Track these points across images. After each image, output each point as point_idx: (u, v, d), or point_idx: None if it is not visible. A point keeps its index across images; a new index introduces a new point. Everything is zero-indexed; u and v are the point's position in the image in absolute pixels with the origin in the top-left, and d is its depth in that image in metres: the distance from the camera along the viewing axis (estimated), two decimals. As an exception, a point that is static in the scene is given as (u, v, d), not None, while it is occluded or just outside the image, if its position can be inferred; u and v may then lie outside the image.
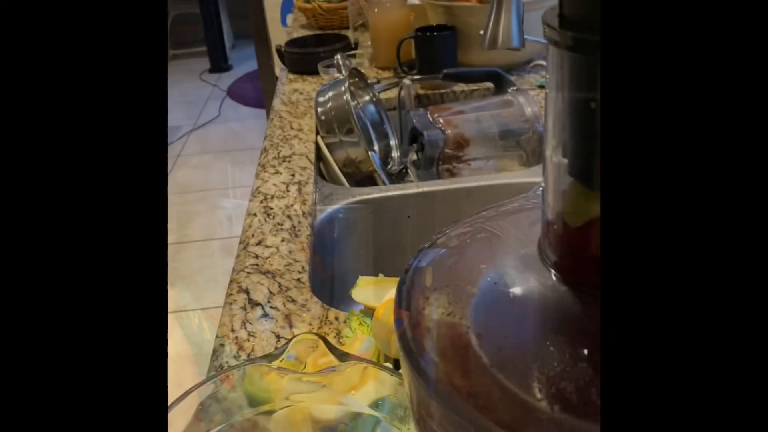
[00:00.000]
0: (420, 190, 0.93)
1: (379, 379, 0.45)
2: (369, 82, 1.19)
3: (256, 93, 3.56)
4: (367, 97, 1.19)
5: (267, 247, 0.82)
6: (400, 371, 0.28)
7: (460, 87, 1.30)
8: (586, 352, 0.23)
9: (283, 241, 0.83)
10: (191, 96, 4.00)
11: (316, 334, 0.48)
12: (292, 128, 1.18)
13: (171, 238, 2.54)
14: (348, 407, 0.46)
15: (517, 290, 0.26)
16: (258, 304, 0.71)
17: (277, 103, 1.32)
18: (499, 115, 1.02)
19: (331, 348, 0.47)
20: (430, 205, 0.94)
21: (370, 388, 0.45)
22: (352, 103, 1.01)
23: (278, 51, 1.53)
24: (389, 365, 0.61)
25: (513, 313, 0.25)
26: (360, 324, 0.66)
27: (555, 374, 0.22)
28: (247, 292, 0.73)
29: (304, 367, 0.46)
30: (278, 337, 0.66)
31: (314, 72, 1.43)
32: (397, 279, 0.29)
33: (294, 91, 1.38)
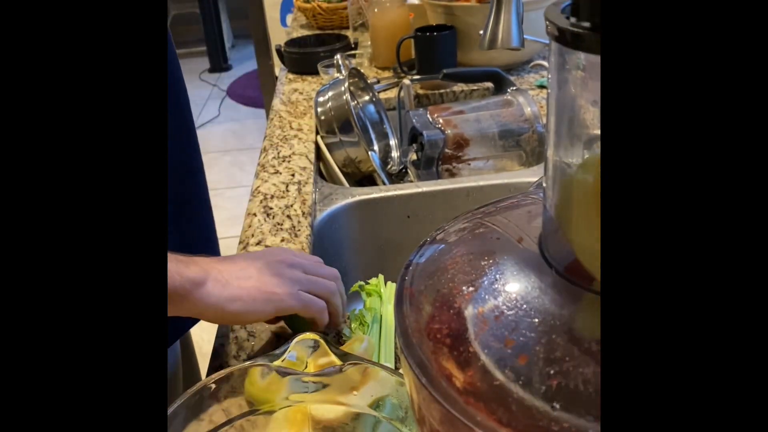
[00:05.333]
0: (420, 190, 0.93)
1: (379, 378, 0.45)
2: (369, 82, 1.19)
3: (256, 93, 3.56)
4: (366, 97, 1.19)
5: (267, 247, 0.82)
6: (401, 371, 0.27)
7: (459, 87, 1.30)
8: (586, 350, 0.23)
9: (282, 241, 0.83)
10: (191, 96, 3.99)
11: (318, 333, 0.48)
12: (291, 128, 1.17)
13: (170, 238, 2.53)
14: (348, 407, 0.45)
15: (518, 288, 0.26)
16: (258, 304, 0.71)
17: (276, 103, 1.32)
18: (498, 114, 1.02)
19: (332, 348, 0.47)
20: (430, 205, 0.94)
21: (370, 388, 0.45)
22: (352, 103, 1.01)
23: (278, 51, 1.53)
24: (389, 365, 0.61)
25: (514, 311, 0.24)
26: (360, 324, 0.66)
27: (555, 373, 0.22)
28: (246, 291, 0.73)
29: (305, 367, 0.46)
30: (278, 337, 0.66)
31: (314, 72, 1.43)
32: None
33: (294, 90, 1.38)
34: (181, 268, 0.51)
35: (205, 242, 0.75)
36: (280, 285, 0.56)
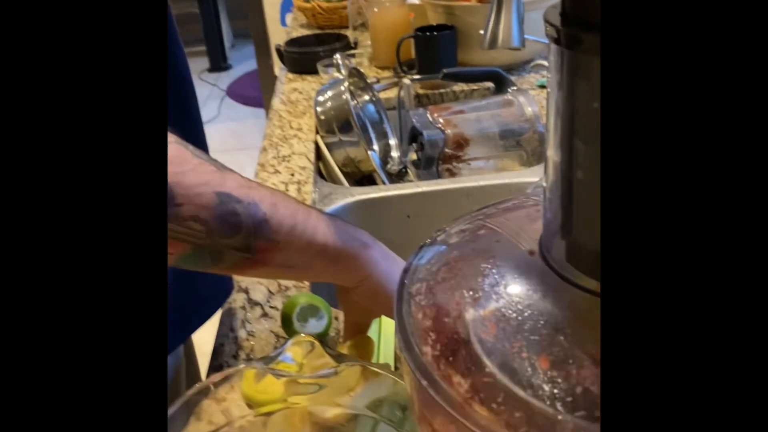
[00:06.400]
0: (420, 189, 0.93)
1: (377, 380, 0.45)
2: (368, 81, 1.19)
3: (256, 92, 3.56)
4: (366, 97, 1.19)
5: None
6: (398, 371, 0.27)
7: (460, 87, 1.30)
8: (587, 351, 0.23)
9: (282, 240, 0.83)
10: (189, 94, 3.98)
11: (313, 335, 0.48)
12: (291, 128, 1.17)
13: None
14: (346, 408, 0.45)
15: (518, 289, 0.26)
16: (257, 304, 0.71)
17: (276, 102, 1.32)
18: (499, 114, 1.02)
19: (328, 349, 0.47)
20: (430, 205, 0.94)
21: (369, 390, 0.45)
22: (352, 103, 1.01)
23: (278, 50, 1.53)
24: (389, 363, 0.61)
25: (515, 313, 0.24)
26: None
27: (556, 374, 0.22)
28: (246, 291, 0.73)
29: (301, 369, 0.46)
30: (278, 337, 0.66)
31: (314, 71, 1.43)
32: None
33: (293, 90, 1.38)
34: (349, 228, 0.49)
35: None
36: None
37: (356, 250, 0.48)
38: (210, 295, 0.66)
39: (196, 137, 0.66)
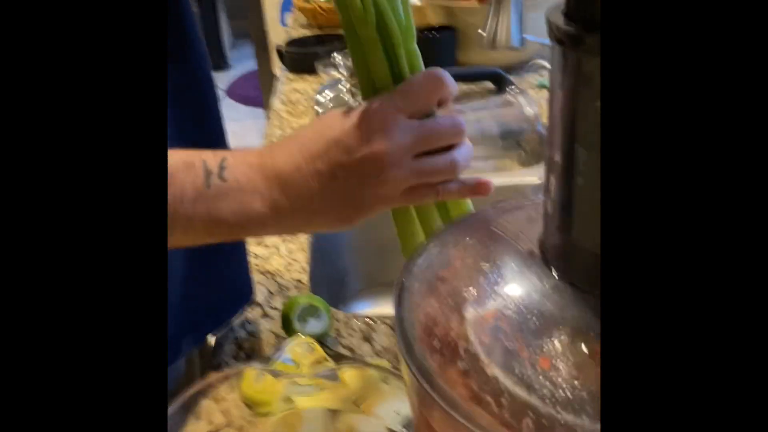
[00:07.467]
0: (419, 190, 0.93)
1: (401, 392, 0.45)
2: (368, 81, 1.19)
3: (256, 92, 3.55)
4: (366, 97, 1.19)
5: (267, 247, 0.82)
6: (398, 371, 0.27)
7: (459, 87, 1.30)
8: (586, 351, 0.23)
9: (283, 241, 0.83)
10: (190, 95, 3.97)
11: (311, 336, 0.48)
12: (291, 128, 1.17)
13: (170, 237, 2.52)
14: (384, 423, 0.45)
15: (518, 290, 0.26)
16: (258, 304, 0.71)
17: (276, 102, 1.32)
18: (498, 115, 1.02)
19: (327, 350, 0.47)
20: (430, 205, 0.93)
21: (395, 403, 0.44)
22: (352, 103, 1.01)
23: (278, 51, 1.53)
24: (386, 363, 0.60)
25: (515, 314, 0.24)
26: None
27: (556, 374, 0.22)
28: (246, 292, 0.73)
29: (300, 370, 0.46)
30: (277, 337, 0.66)
31: (314, 72, 1.42)
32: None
33: (293, 90, 1.38)
34: (245, 203, 0.43)
35: (232, 244, 0.72)
36: (356, 205, 0.45)
37: (260, 224, 0.44)
38: (228, 299, 0.66)
39: (217, 135, 0.66)
